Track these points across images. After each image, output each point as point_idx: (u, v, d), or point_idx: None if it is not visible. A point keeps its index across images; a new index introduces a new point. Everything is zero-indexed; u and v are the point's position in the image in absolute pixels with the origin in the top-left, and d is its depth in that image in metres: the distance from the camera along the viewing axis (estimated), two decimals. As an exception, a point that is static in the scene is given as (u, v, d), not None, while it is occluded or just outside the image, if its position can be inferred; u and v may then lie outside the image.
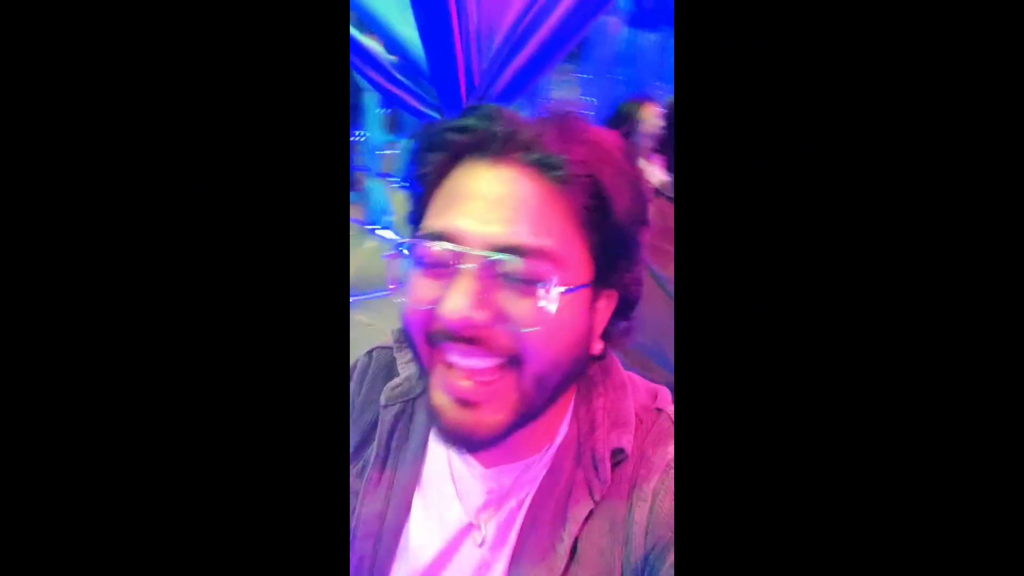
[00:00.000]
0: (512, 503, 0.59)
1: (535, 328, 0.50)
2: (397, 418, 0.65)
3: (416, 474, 0.63)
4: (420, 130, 0.58)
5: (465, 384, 0.52)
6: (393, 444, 0.64)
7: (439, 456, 0.63)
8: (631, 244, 0.56)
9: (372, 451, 0.65)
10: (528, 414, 0.54)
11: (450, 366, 0.52)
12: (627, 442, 0.57)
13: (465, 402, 0.52)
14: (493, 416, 0.52)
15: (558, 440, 0.59)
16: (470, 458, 0.60)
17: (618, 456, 0.57)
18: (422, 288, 0.52)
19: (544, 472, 0.59)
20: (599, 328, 0.57)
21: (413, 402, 0.66)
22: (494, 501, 0.59)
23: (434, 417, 0.54)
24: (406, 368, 0.66)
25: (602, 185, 0.52)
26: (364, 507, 0.63)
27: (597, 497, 0.56)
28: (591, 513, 0.56)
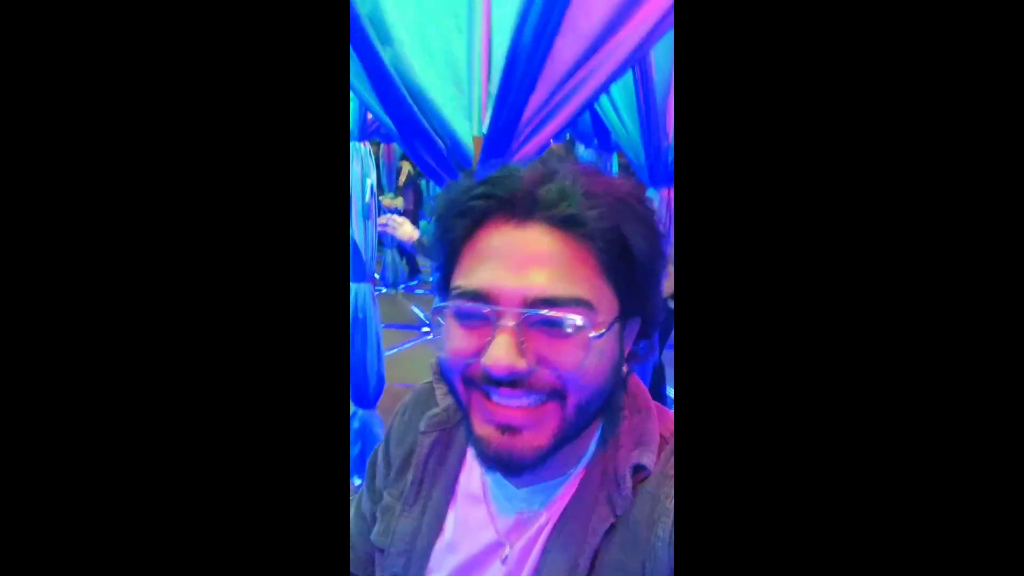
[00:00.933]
0: (542, 520, 0.62)
1: (580, 366, 0.54)
2: (434, 444, 0.70)
3: (450, 496, 0.68)
4: (441, 197, 0.61)
5: (510, 413, 0.55)
6: (430, 468, 0.70)
7: (474, 478, 0.67)
8: (652, 279, 0.60)
9: (410, 474, 0.70)
10: (568, 438, 0.57)
11: (489, 400, 0.56)
12: (648, 460, 0.60)
13: (508, 427, 0.55)
14: (536, 440, 0.55)
15: (584, 461, 0.62)
16: (503, 482, 0.64)
17: (639, 473, 0.60)
18: (460, 340, 0.56)
19: (571, 492, 0.62)
20: (626, 352, 0.61)
21: (450, 430, 0.71)
22: (524, 521, 0.63)
23: (478, 447, 0.57)
24: (444, 399, 0.71)
25: (623, 235, 0.55)
26: (399, 525, 0.69)
27: (618, 512, 0.58)
28: (612, 527, 0.58)
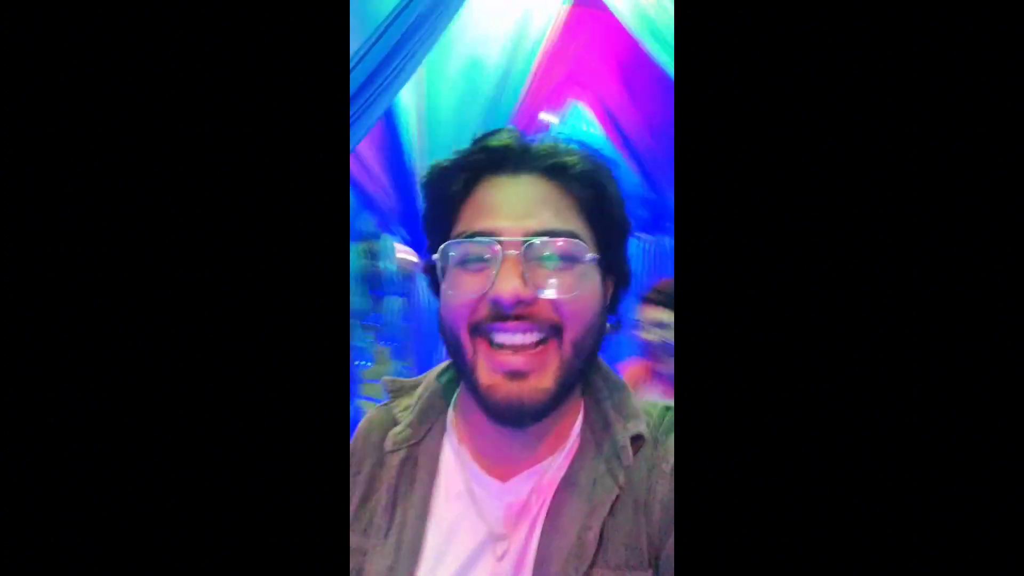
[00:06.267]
0: (533, 510, 0.63)
1: (574, 294, 0.59)
2: (403, 464, 0.69)
3: (425, 518, 0.65)
4: (437, 163, 0.67)
5: (514, 359, 0.59)
6: (401, 490, 0.67)
7: (456, 480, 0.67)
8: (622, 237, 0.67)
9: (376, 501, 0.68)
10: (568, 383, 0.61)
11: (493, 348, 0.60)
12: (643, 429, 0.64)
13: (515, 373, 0.59)
14: (540, 383, 0.59)
15: (570, 443, 0.65)
16: (485, 477, 0.65)
17: (637, 442, 0.64)
18: (466, 283, 0.60)
19: (559, 477, 0.64)
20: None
21: (416, 447, 0.70)
22: (515, 513, 0.63)
23: (487, 398, 0.60)
24: (403, 416, 0.72)
25: (598, 179, 0.63)
26: (372, 565, 0.65)
27: (621, 482, 0.61)
28: (617, 499, 0.61)
